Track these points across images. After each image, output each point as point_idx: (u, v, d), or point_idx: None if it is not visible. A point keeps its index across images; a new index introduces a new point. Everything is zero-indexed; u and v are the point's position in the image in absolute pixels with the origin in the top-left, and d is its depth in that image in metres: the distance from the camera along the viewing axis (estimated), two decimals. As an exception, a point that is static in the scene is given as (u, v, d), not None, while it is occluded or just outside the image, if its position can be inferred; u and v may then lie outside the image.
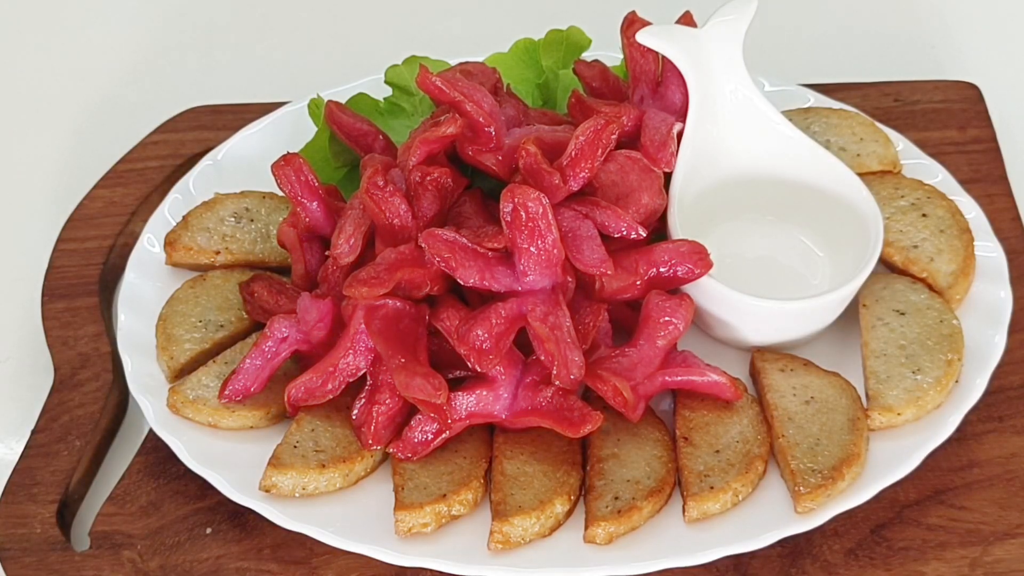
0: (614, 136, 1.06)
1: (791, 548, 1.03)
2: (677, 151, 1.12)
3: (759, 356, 1.10)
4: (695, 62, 1.13)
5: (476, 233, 1.05)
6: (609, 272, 1.04)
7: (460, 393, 1.03)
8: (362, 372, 1.05)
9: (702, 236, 1.08)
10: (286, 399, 1.06)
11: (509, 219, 1.02)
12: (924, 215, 1.16)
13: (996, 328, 1.10)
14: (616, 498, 1.01)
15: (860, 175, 1.14)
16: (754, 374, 1.10)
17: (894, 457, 1.03)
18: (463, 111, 1.07)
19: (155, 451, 1.10)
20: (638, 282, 1.07)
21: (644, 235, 1.06)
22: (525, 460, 1.04)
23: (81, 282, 1.22)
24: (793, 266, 1.15)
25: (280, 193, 1.15)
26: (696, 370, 1.05)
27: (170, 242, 1.18)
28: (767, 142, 1.15)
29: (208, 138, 1.32)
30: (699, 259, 1.06)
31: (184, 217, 1.20)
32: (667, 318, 1.05)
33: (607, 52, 1.25)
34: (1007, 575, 1.01)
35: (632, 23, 1.16)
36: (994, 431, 1.09)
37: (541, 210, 1.01)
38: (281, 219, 1.15)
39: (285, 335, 1.07)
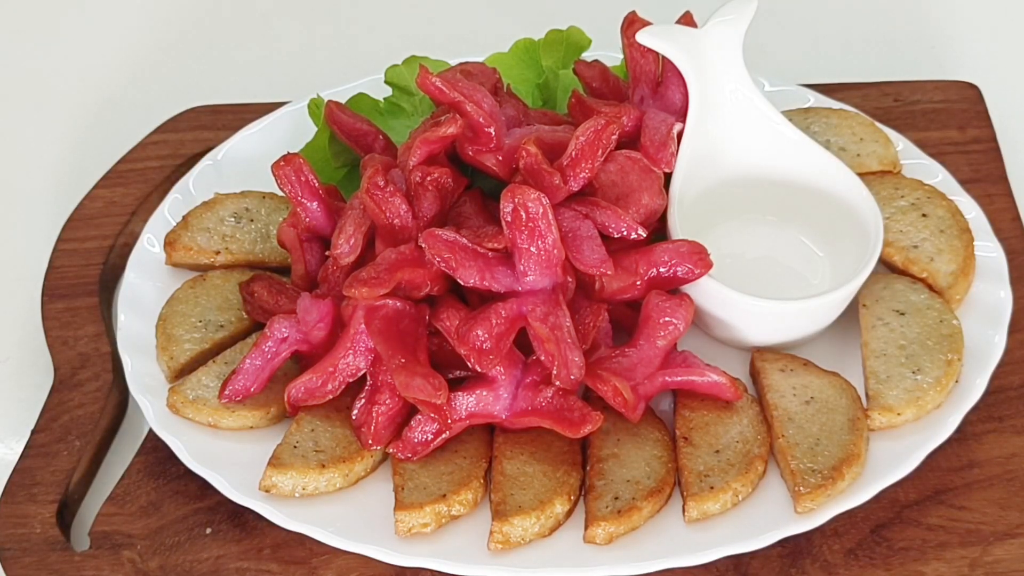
0: (614, 136, 1.06)
1: (791, 548, 1.03)
2: (677, 151, 1.12)
3: (759, 356, 1.10)
4: (695, 62, 1.13)
5: (476, 233, 1.05)
6: (609, 272, 1.04)
7: (460, 393, 1.03)
8: (362, 372, 1.05)
9: (702, 236, 1.08)
10: (286, 399, 1.06)
11: (509, 219, 1.02)
12: (924, 215, 1.16)
13: (996, 328, 1.10)
14: (616, 498, 1.01)
15: (860, 175, 1.14)
16: (754, 374, 1.10)
17: (894, 457, 1.03)
18: (463, 111, 1.07)
19: (155, 451, 1.10)
20: (638, 282, 1.07)
21: (644, 235, 1.06)
22: (525, 460, 1.04)
23: (81, 282, 1.22)
24: (793, 266, 1.15)
25: (280, 193, 1.15)
26: (696, 370, 1.05)
27: (170, 242, 1.18)
28: (767, 142, 1.15)
29: (208, 138, 1.32)
30: (699, 259, 1.06)
31: (184, 217, 1.20)
32: (667, 318, 1.05)
33: (607, 52, 1.25)
34: (1007, 575, 1.01)
35: (632, 23, 1.16)
36: (994, 431, 1.09)
37: (541, 210, 1.02)
38: (281, 219, 1.15)
39: (285, 335, 1.07)
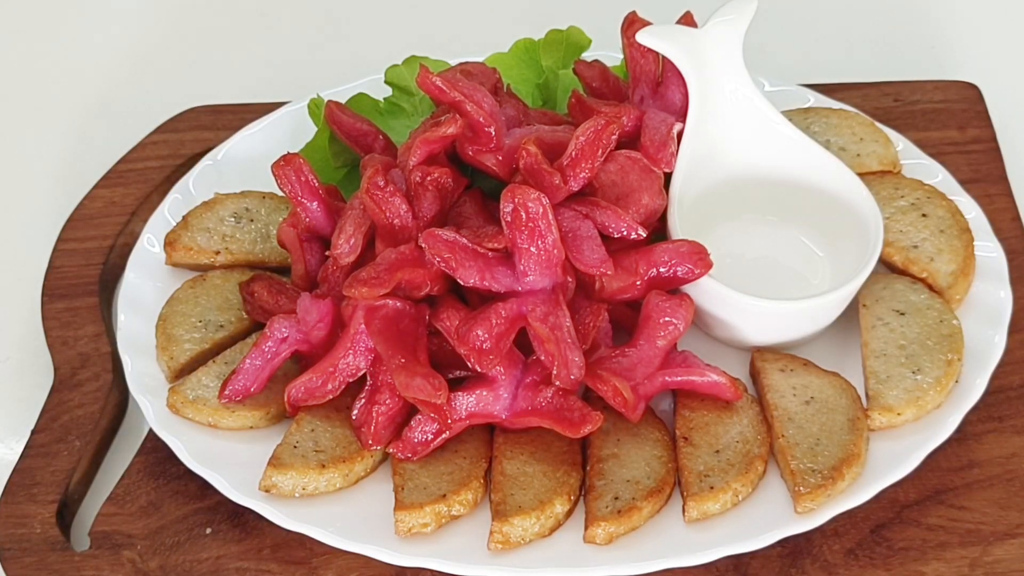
0: (614, 136, 1.06)
1: (791, 548, 1.03)
2: (677, 151, 1.12)
3: (759, 356, 1.10)
4: (695, 62, 1.13)
5: (476, 233, 1.05)
6: (609, 272, 1.04)
7: (460, 393, 1.03)
8: (362, 372, 1.05)
9: (702, 236, 1.08)
10: (286, 399, 1.06)
11: (509, 219, 1.02)
12: (924, 215, 1.16)
13: (996, 328, 1.10)
14: (616, 498, 1.01)
15: (860, 175, 1.14)
16: (754, 374, 1.10)
17: (894, 457, 1.03)
18: (463, 111, 1.07)
19: (155, 451, 1.10)
20: (638, 282, 1.07)
21: (644, 235, 1.06)
22: (525, 460, 1.04)
23: (81, 282, 1.22)
24: (793, 266, 1.15)
25: (280, 193, 1.15)
26: (696, 370, 1.05)
27: (170, 242, 1.18)
28: (767, 142, 1.15)
29: (208, 138, 1.32)
30: (699, 259, 1.06)
31: (184, 217, 1.20)
32: (667, 318, 1.05)
33: (607, 52, 1.25)
34: (1007, 575, 1.01)
35: (632, 23, 1.16)
36: (994, 431, 1.09)
37: (541, 210, 1.02)
38: (281, 219, 1.15)
39: (285, 335, 1.07)
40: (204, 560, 1.04)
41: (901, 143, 1.23)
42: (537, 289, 1.03)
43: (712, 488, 1.01)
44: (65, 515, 1.08)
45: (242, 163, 1.25)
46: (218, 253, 1.18)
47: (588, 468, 1.04)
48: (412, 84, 1.22)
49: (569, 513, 1.02)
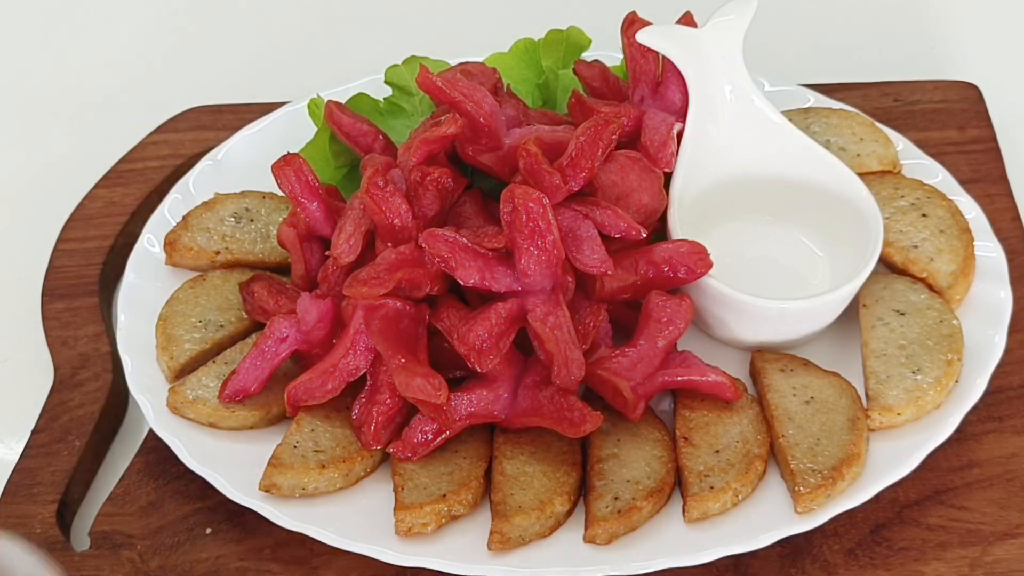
0: (614, 136, 1.06)
1: (791, 548, 1.03)
2: (677, 151, 1.12)
3: (759, 356, 1.10)
4: (695, 62, 1.13)
5: (476, 233, 1.05)
6: (609, 272, 1.04)
7: (460, 393, 1.03)
8: (362, 372, 1.05)
9: (702, 236, 1.08)
10: (286, 399, 1.06)
11: (509, 219, 1.02)
12: (924, 215, 1.16)
13: (996, 328, 1.10)
14: (616, 498, 1.01)
15: (860, 175, 1.14)
16: (754, 374, 1.10)
17: (894, 457, 1.03)
18: (463, 111, 1.07)
19: (155, 451, 1.10)
20: (638, 282, 1.07)
21: (644, 235, 1.06)
22: (525, 460, 1.04)
23: (81, 282, 1.22)
24: (793, 266, 1.15)
25: (280, 193, 1.15)
26: (696, 370, 1.05)
27: (170, 242, 1.18)
28: (767, 142, 1.15)
29: (208, 138, 1.32)
30: (699, 259, 1.06)
31: (184, 217, 1.20)
32: (667, 318, 1.05)
33: (607, 52, 1.25)
34: (1007, 575, 1.01)
35: (632, 23, 1.16)
36: (994, 431, 1.09)
37: (541, 210, 1.01)
38: (281, 219, 1.16)
39: (285, 335, 1.07)
40: (204, 560, 1.04)
41: (901, 143, 1.23)
42: (537, 289, 1.03)
43: (712, 488, 1.01)
44: (65, 515, 1.08)
45: (242, 163, 1.25)
46: (218, 253, 1.18)
47: (588, 468, 1.04)
48: (412, 84, 1.22)
49: (569, 513, 1.02)
